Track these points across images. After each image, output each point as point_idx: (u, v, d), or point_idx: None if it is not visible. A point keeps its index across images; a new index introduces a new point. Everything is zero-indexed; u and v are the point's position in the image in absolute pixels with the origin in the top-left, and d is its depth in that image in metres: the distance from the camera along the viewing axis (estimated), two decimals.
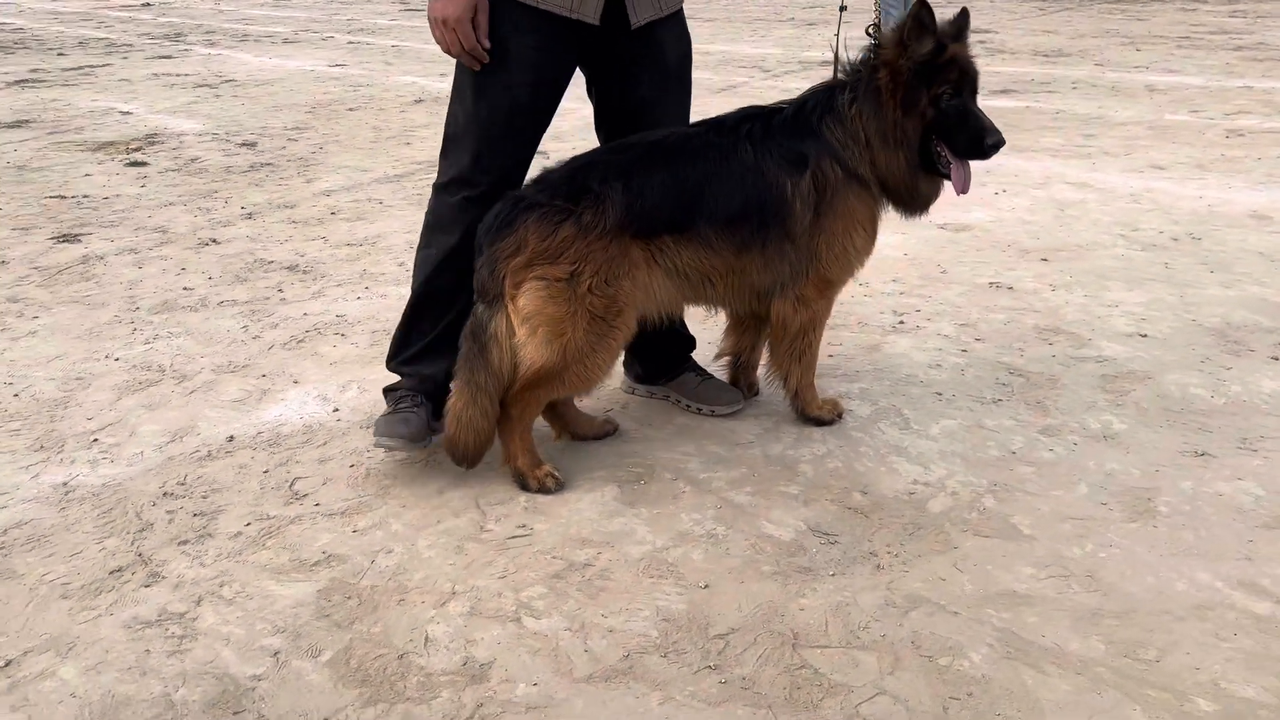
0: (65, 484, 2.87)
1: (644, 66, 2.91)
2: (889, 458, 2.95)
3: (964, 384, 3.39)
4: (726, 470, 2.89)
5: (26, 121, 8.72)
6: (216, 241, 5.18)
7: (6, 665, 2.16)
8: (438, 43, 2.74)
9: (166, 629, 2.26)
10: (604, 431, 3.06)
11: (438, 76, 10.74)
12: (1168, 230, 4.98)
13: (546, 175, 2.77)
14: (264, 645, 2.21)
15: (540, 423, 2.98)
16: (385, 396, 2.99)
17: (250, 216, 5.68)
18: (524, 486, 2.76)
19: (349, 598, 2.36)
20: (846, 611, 2.30)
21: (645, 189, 2.71)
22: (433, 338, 2.94)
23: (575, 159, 2.80)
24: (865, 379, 3.45)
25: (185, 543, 2.59)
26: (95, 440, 3.13)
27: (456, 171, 2.85)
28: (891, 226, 5.12)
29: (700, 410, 3.21)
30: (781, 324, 2.97)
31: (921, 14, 2.78)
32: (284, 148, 7.51)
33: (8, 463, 3.00)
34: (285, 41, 14.66)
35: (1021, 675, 2.09)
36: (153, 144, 7.76)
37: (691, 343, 3.34)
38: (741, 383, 3.30)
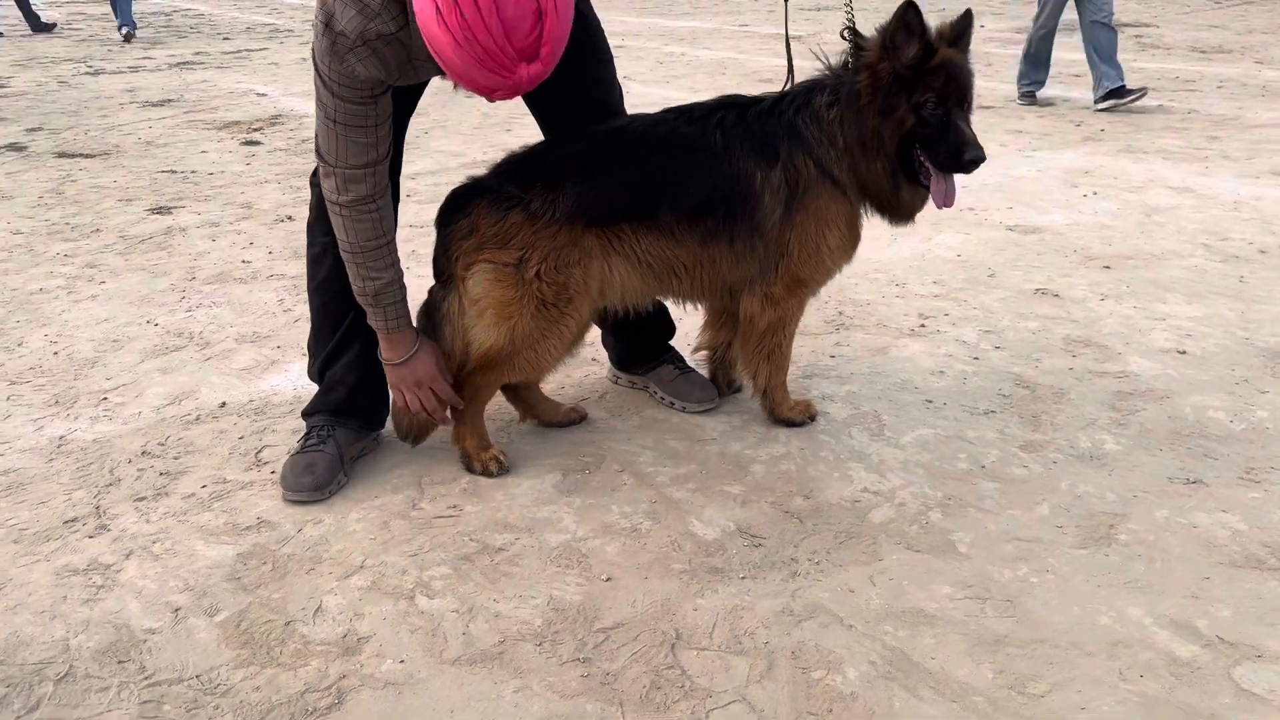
0: (62, 438, 3.07)
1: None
2: (847, 464, 2.85)
3: (961, 393, 3.24)
4: (676, 466, 2.86)
5: (171, 101, 9.30)
6: (291, 219, 5.40)
7: (90, 573, 2.34)
8: (405, 406, 2.76)
9: (89, 578, 2.39)
10: (569, 419, 3.07)
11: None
12: (1258, 242, 4.62)
13: (507, 160, 2.79)
14: (169, 601, 2.31)
15: (507, 407, 3.01)
16: (305, 420, 2.95)
17: None
18: (469, 468, 2.80)
19: (264, 563, 2.45)
20: (739, 616, 2.25)
21: (600, 176, 2.69)
22: (335, 341, 2.89)
23: (535, 145, 2.81)
24: (857, 382, 3.34)
25: (142, 499, 2.73)
26: (105, 399, 3.33)
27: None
28: (957, 226, 4.96)
29: (673, 405, 3.18)
30: (749, 321, 2.90)
31: (907, 14, 2.65)
32: None
33: (22, 414, 3.23)
34: None
35: (891, 697, 2.00)
36: (274, 124, 8.15)
37: (671, 331, 3.30)
38: (720, 379, 3.24)
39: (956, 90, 2.70)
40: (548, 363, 2.78)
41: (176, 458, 2.95)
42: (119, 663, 2.13)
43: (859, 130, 2.73)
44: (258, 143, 7.45)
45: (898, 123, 2.68)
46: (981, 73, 9.29)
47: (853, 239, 2.90)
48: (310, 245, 2.78)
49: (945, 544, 2.49)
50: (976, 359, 3.49)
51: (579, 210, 2.66)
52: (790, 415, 3.03)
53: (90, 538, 2.56)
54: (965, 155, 2.66)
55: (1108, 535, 2.50)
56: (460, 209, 2.69)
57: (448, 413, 2.78)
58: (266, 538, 2.55)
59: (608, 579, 2.38)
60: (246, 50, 13.09)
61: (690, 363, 3.29)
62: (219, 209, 5.66)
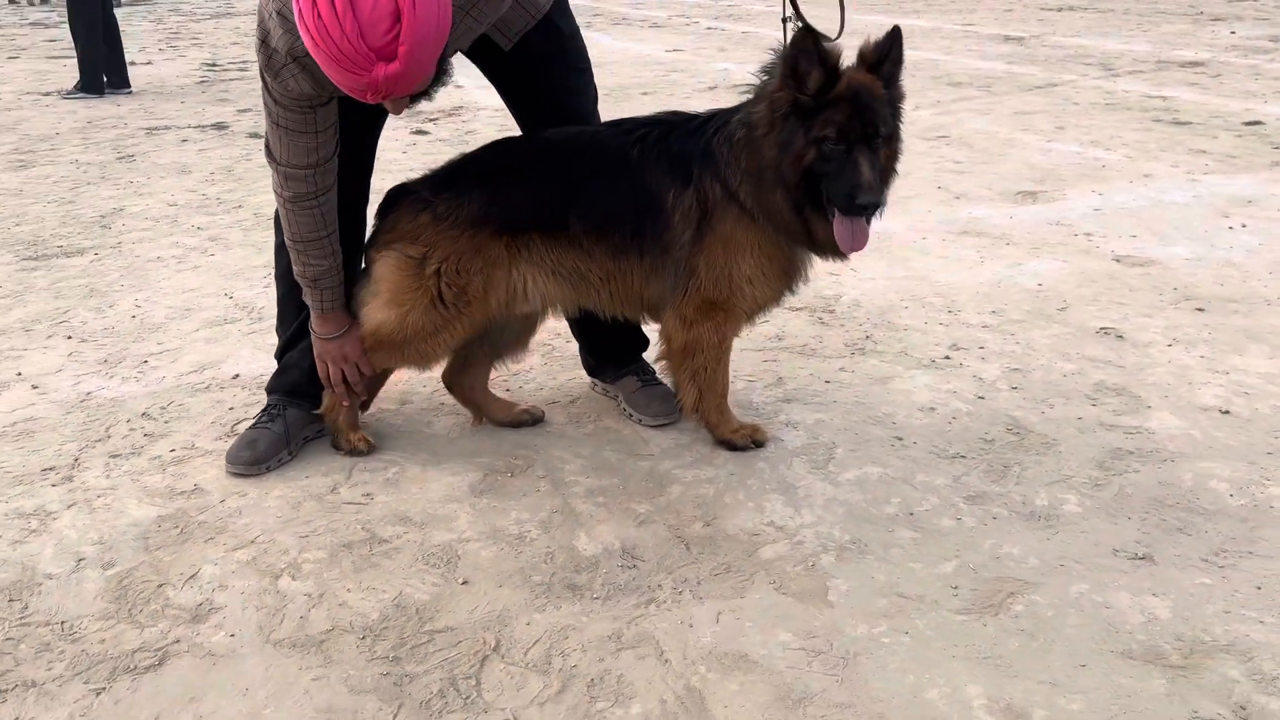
0: (89, 394, 3.42)
1: (541, 51, 2.87)
2: (768, 494, 2.75)
3: (939, 433, 3.05)
4: (598, 478, 2.85)
5: None
6: None
7: (31, 517, 2.67)
8: (323, 376, 2.91)
9: (29, 522, 2.67)
10: (521, 420, 3.11)
11: (737, 62, 10.82)
12: None
13: (438, 168, 2.87)
14: (79, 552, 2.55)
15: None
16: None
17: None
18: (336, 445, 2.94)
19: (176, 528, 2.65)
20: (565, 636, 2.24)
21: (509, 186, 2.73)
22: (296, 325, 3.06)
23: (462, 155, 2.87)
24: (834, 411, 3.20)
25: (116, 456, 3.01)
26: (144, 362, 3.67)
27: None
28: (1060, 252, 4.60)
29: (631, 416, 3.16)
30: (666, 340, 2.86)
31: (805, 41, 2.53)
32: None
33: (72, 370, 3.61)
34: (653, 26, 15.37)
35: None
36: (451, 116, 8.57)
37: (642, 343, 3.28)
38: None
39: (861, 124, 2.53)
40: (435, 356, 2.90)
41: (167, 422, 3.22)
42: (9, 601, 2.37)
43: (757, 160, 2.63)
44: (425, 133, 7.85)
45: (796, 157, 2.56)
46: (1200, 84, 8.51)
47: (775, 267, 2.78)
48: (276, 235, 2.96)
49: (817, 589, 2.37)
50: (981, 398, 3.26)
51: (484, 217, 2.71)
52: (730, 437, 2.95)
53: (53, 486, 2.85)
54: (857, 199, 2.50)
55: (1001, 604, 2.31)
56: (390, 206, 2.79)
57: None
58: (192, 504, 2.75)
59: (464, 582, 2.43)
60: None
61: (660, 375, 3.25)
62: None
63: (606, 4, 19.08)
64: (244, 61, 11.83)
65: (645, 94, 9.27)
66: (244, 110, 8.72)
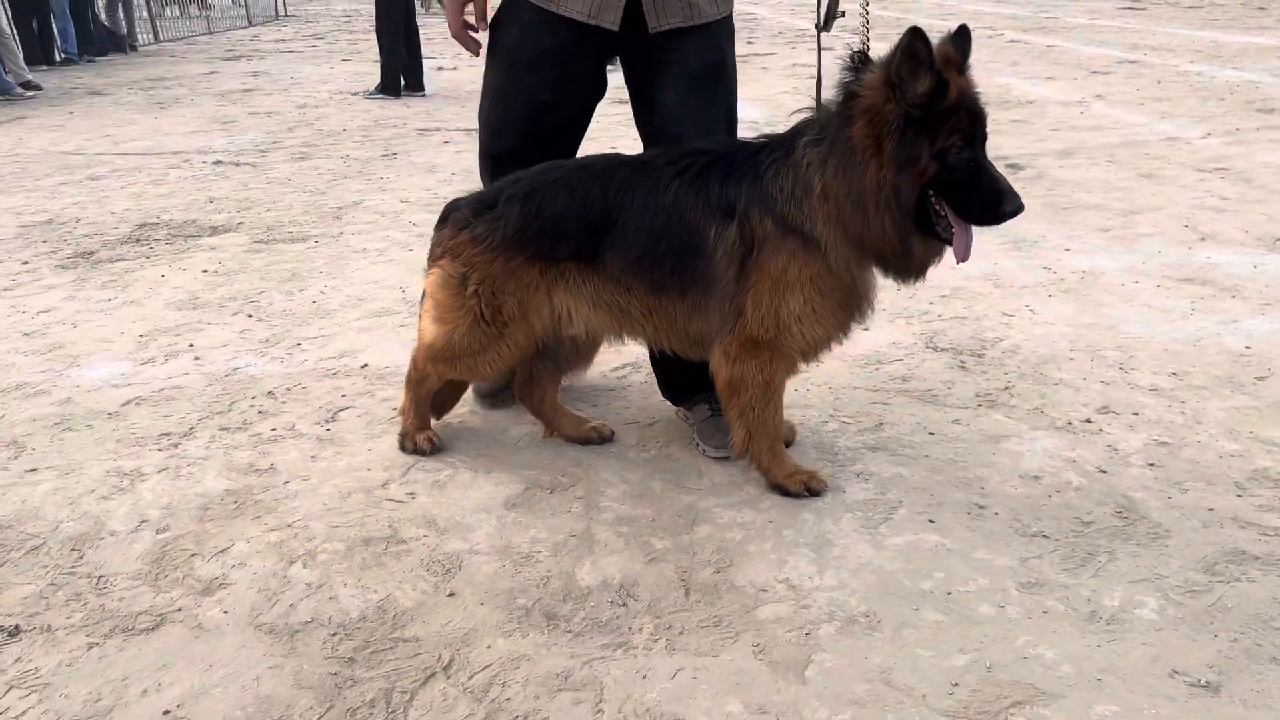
0: (236, 370, 3.73)
1: (666, 70, 2.85)
2: (798, 549, 2.55)
3: (1031, 506, 2.71)
4: (633, 507, 2.76)
5: None
6: None
7: (18, 457, 3.02)
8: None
9: (121, 481, 2.95)
10: (589, 437, 3.07)
11: (1023, 76, 10.11)
12: None
13: (489, 187, 2.88)
14: (144, 514, 2.78)
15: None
16: None
17: None
18: (402, 445, 2.99)
19: (235, 503, 2.83)
20: (516, 665, 2.19)
21: (545, 211, 2.67)
22: None
23: (513, 175, 2.84)
24: (920, 466, 2.92)
25: (224, 430, 3.26)
26: (298, 345, 3.96)
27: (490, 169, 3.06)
28: None
29: (696, 445, 3.04)
30: (714, 376, 2.71)
31: (915, 45, 2.31)
32: None
33: (235, 346, 3.96)
34: None
35: None
36: None
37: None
38: None
39: (980, 127, 2.35)
40: (484, 372, 2.89)
41: (283, 402, 3.45)
42: (71, 550, 2.63)
43: (856, 186, 2.42)
44: None
45: (918, 174, 2.35)
46: None
47: (829, 303, 2.57)
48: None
49: (798, 661, 2.17)
50: (1103, 472, 2.86)
51: (519, 242, 2.68)
52: (783, 483, 2.76)
53: (159, 450, 3.13)
54: (1005, 207, 2.35)
55: (998, 713, 2.01)
56: (442, 222, 2.83)
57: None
58: (259, 483, 2.93)
59: (451, 594, 2.42)
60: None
61: None
62: None
63: (910, 15, 18.44)
64: None
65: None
66: None
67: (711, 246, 2.58)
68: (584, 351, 3.02)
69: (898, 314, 4.06)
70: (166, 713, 2.07)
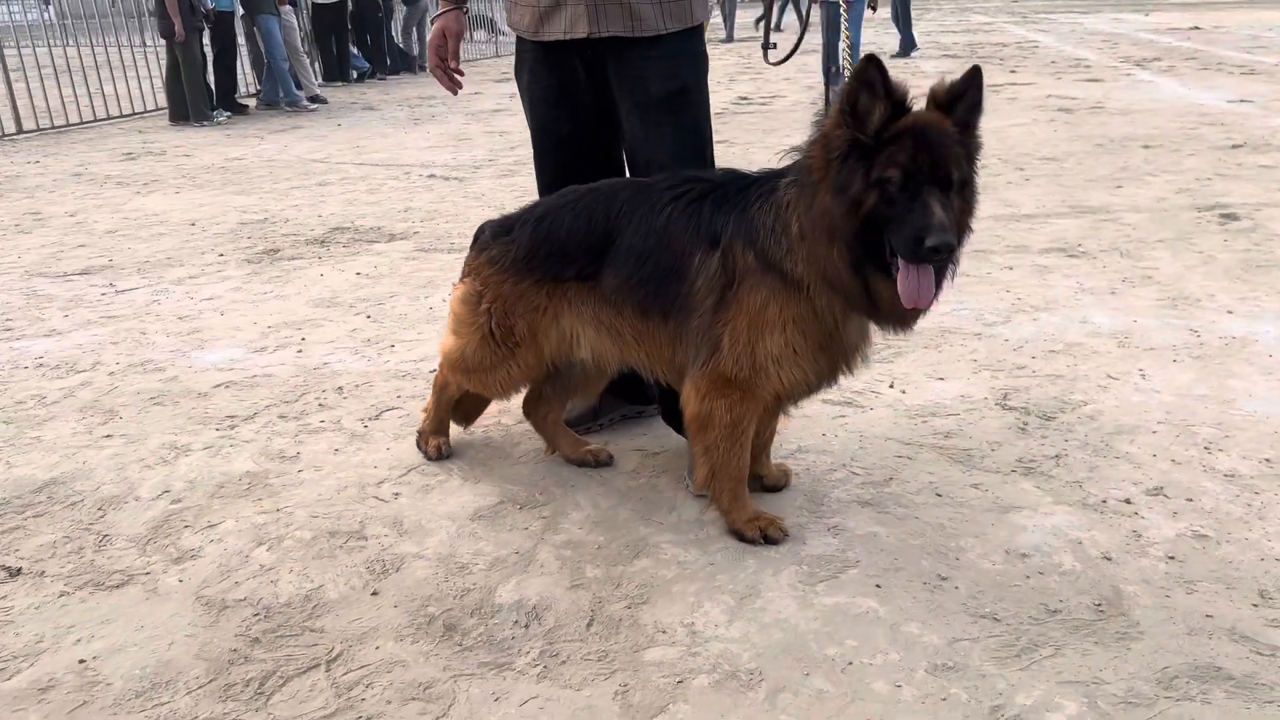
0: (324, 364, 4.04)
1: (627, 98, 2.88)
2: (720, 595, 2.47)
3: (999, 586, 2.48)
4: (587, 533, 2.77)
5: None
6: None
7: (105, 423, 3.42)
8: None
9: (169, 454, 3.27)
10: (585, 459, 3.10)
11: None
12: None
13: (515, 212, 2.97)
14: (170, 485, 3.08)
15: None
16: None
17: None
18: (418, 445, 3.11)
19: (247, 485, 3.07)
20: (389, 669, 2.26)
21: (552, 235, 2.72)
22: None
23: (534, 200, 2.92)
24: (901, 527, 2.73)
25: (282, 418, 3.55)
26: (391, 347, 4.23)
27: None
28: None
29: (684, 476, 3.00)
30: (683, 408, 2.66)
31: (868, 72, 2.23)
32: None
33: (340, 343, 4.27)
34: (1247, 73, 13.36)
35: None
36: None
37: None
38: (753, 474, 2.92)
39: (929, 162, 2.19)
40: (498, 390, 2.93)
41: (345, 398, 3.70)
42: (97, 508, 2.95)
43: (812, 212, 2.34)
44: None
45: (853, 201, 2.25)
46: None
47: (809, 345, 2.46)
48: None
49: (652, 709, 2.12)
50: (1108, 559, 2.57)
51: (527, 266, 2.74)
52: (741, 528, 2.67)
53: (215, 430, 3.45)
54: (926, 241, 2.15)
55: None
56: (473, 242, 2.94)
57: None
58: (277, 468, 3.16)
59: (374, 594, 2.54)
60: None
61: None
62: None
63: (1213, 47, 16.90)
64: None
65: (1146, 147, 8.20)
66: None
67: (694, 273, 2.56)
68: (592, 380, 3.04)
69: (986, 365, 3.79)
70: (82, 661, 2.30)
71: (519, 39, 3.11)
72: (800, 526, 2.73)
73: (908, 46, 15.83)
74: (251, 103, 12.74)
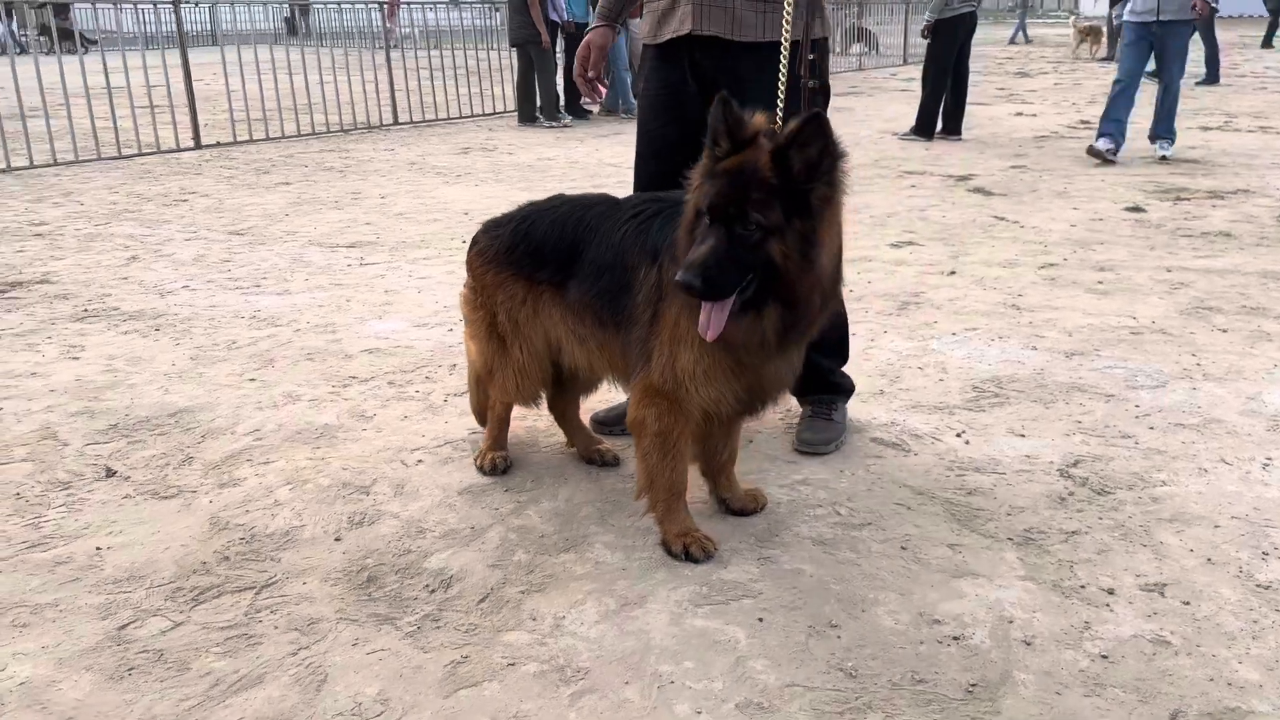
0: (459, 345, 4.49)
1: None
2: (606, 598, 2.56)
3: (886, 646, 2.36)
4: (545, 522, 2.92)
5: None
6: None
7: (260, 369, 4.04)
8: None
9: (283, 401, 3.82)
10: (591, 457, 3.25)
11: None
12: None
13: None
14: (260, 424, 3.63)
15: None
16: None
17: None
18: (477, 459, 3.30)
19: (303, 437, 3.54)
20: (294, 603, 2.59)
21: (530, 236, 2.91)
22: None
23: (527, 202, 3.11)
24: (837, 573, 2.66)
25: (391, 384, 4.00)
26: (449, 330, 4.59)
27: None
28: None
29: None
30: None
31: (718, 108, 2.35)
32: None
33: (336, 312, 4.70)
34: None
35: None
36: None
37: (824, 383, 3.39)
38: (715, 496, 2.97)
39: (725, 202, 2.29)
40: (511, 392, 3.08)
41: (450, 375, 4.09)
42: (202, 436, 3.54)
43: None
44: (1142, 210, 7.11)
45: (687, 226, 2.39)
46: None
47: (720, 367, 2.51)
48: None
49: (467, 679, 2.29)
50: (1027, 644, 2.37)
51: (508, 258, 2.95)
52: (668, 540, 2.73)
53: (330, 387, 3.96)
54: (676, 275, 2.27)
55: None
56: (472, 239, 3.19)
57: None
58: (347, 425, 3.60)
59: (337, 539, 2.88)
60: None
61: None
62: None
63: None
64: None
65: None
66: (1013, 167, 8.78)
67: (637, 287, 2.67)
68: (587, 383, 3.19)
69: (1088, 429, 3.48)
70: (98, 549, 2.83)
71: (644, 46, 3.32)
72: (733, 551, 2.73)
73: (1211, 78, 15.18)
74: (594, 108, 13.71)
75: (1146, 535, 2.80)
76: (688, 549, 2.67)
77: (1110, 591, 2.54)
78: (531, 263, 2.91)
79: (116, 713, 2.17)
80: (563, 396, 3.29)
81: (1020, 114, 12.66)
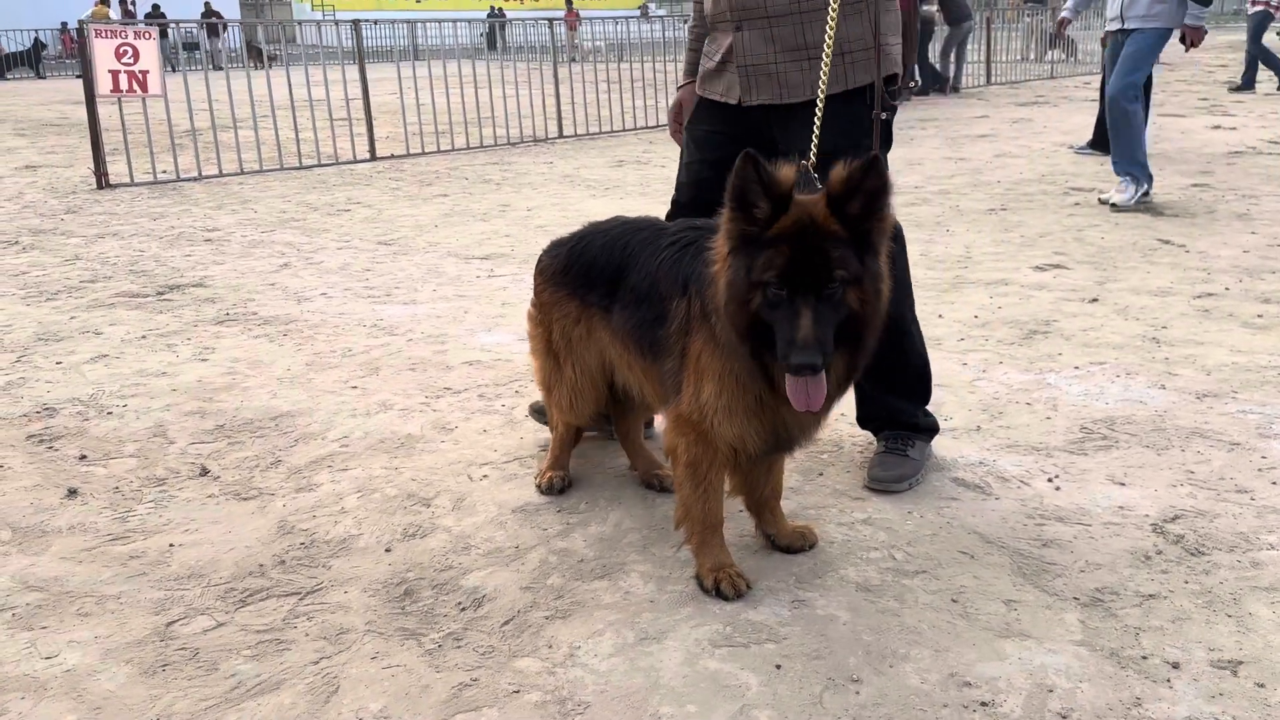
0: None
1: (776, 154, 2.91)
2: (626, 630, 2.51)
3: (905, 707, 2.25)
4: (587, 546, 2.90)
5: None
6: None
7: (363, 378, 4.20)
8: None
9: (375, 410, 3.95)
10: (650, 481, 3.19)
11: None
12: None
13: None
14: (349, 431, 3.76)
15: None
16: None
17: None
18: (537, 477, 3.29)
19: (397, 444, 3.65)
20: (330, 611, 2.67)
21: (582, 258, 2.90)
22: None
23: (590, 223, 3.10)
24: (873, 623, 2.54)
25: (481, 397, 4.07)
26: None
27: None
28: None
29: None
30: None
31: (744, 169, 2.21)
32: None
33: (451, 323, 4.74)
34: None
35: None
36: None
37: (899, 418, 3.28)
38: (761, 531, 2.89)
39: (806, 268, 2.17)
40: (566, 410, 3.08)
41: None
42: (296, 440, 3.71)
43: (716, 297, 2.37)
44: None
45: (742, 302, 2.27)
46: None
47: (742, 404, 2.45)
48: None
49: (468, 704, 2.31)
50: (1063, 717, 2.21)
51: (563, 277, 2.96)
52: (701, 574, 2.66)
53: (424, 398, 4.07)
54: (791, 359, 2.15)
55: None
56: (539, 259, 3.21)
57: None
58: (427, 435, 3.69)
59: (388, 550, 2.95)
60: None
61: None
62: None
63: None
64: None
65: None
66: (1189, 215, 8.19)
67: (670, 318, 2.64)
68: (644, 405, 3.15)
69: (1199, 480, 3.19)
70: (171, 545, 2.99)
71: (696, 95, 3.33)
72: (768, 590, 2.64)
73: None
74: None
75: (1235, 604, 2.53)
76: (718, 584, 2.60)
77: (1175, 665, 2.31)
78: (584, 284, 2.91)
79: (139, 707, 2.27)
80: (625, 418, 3.26)
81: (1218, 127, 11.79)
